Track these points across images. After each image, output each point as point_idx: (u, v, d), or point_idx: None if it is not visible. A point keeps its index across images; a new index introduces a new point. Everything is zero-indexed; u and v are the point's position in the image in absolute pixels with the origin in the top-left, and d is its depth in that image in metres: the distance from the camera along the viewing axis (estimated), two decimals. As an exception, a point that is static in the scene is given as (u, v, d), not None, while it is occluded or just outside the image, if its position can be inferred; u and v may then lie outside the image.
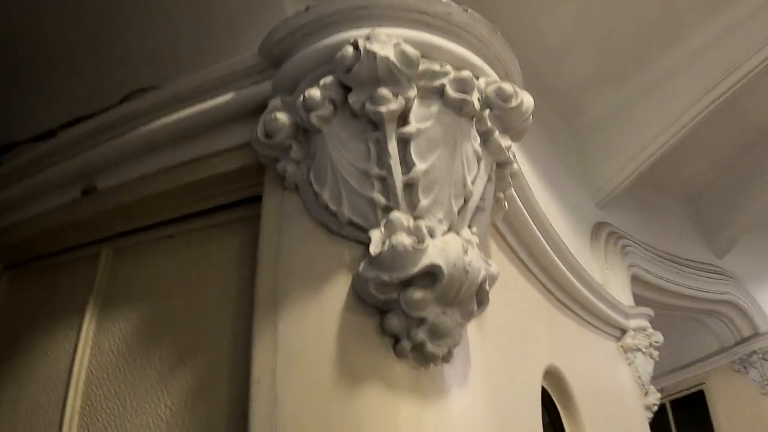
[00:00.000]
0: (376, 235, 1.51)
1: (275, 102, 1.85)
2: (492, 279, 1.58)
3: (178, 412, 1.87)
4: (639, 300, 5.35)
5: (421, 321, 1.47)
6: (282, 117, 1.79)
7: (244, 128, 2.00)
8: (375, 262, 1.49)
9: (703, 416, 7.61)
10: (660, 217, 6.63)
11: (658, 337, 4.73)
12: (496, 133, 1.76)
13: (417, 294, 1.45)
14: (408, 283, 1.47)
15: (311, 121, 1.71)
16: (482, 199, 1.72)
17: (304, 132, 1.79)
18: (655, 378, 8.01)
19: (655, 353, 4.74)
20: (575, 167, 5.17)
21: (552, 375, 3.04)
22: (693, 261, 6.68)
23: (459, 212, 1.64)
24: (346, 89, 1.70)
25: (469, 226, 1.66)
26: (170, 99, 2.19)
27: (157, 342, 2.05)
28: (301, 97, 1.72)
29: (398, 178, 1.58)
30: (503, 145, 1.77)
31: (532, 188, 3.93)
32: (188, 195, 2.20)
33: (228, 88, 2.07)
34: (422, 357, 1.51)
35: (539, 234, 3.05)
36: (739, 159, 6.81)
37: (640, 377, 4.56)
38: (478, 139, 1.72)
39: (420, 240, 1.46)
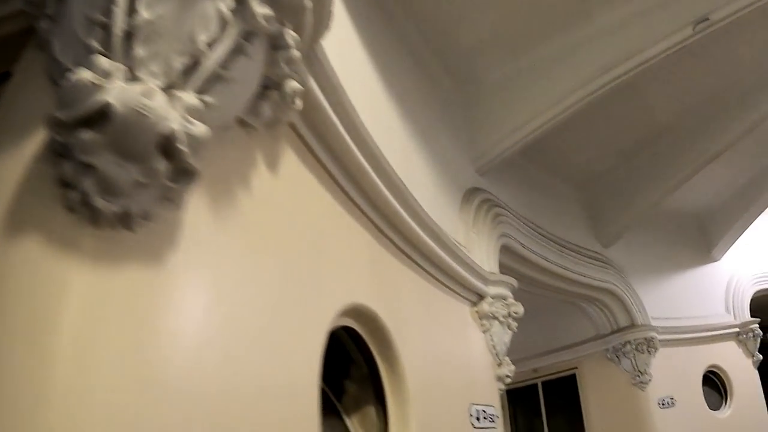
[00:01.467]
0: (70, 76, 1.31)
1: (48, -40, 1.64)
2: (192, 140, 1.37)
3: None
4: (514, 274, 5.31)
5: (90, 168, 1.29)
6: (47, -28, 1.59)
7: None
8: (59, 100, 1.30)
9: (573, 400, 7.66)
10: (549, 199, 6.60)
11: (518, 309, 4.66)
12: (254, -1, 1.58)
13: (86, 135, 1.26)
14: (82, 123, 1.28)
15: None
16: (224, 67, 1.54)
17: (62, -13, 1.59)
18: (529, 358, 8.07)
19: (514, 324, 4.68)
20: (460, 130, 5.05)
21: (365, 318, 2.83)
22: (578, 246, 6.68)
23: (185, 72, 1.45)
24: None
25: (200, 92, 1.47)
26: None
27: None
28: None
29: (118, 25, 1.39)
30: (258, 12, 1.58)
31: (403, 141, 3.78)
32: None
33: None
34: (92, 214, 1.32)
35: (366, 164, 2.82)
36: (637, 153, 6.83)
37: (494, 346, 4.47)
38: (228, 2, 1.54)
39: (103, 77, 1.26)
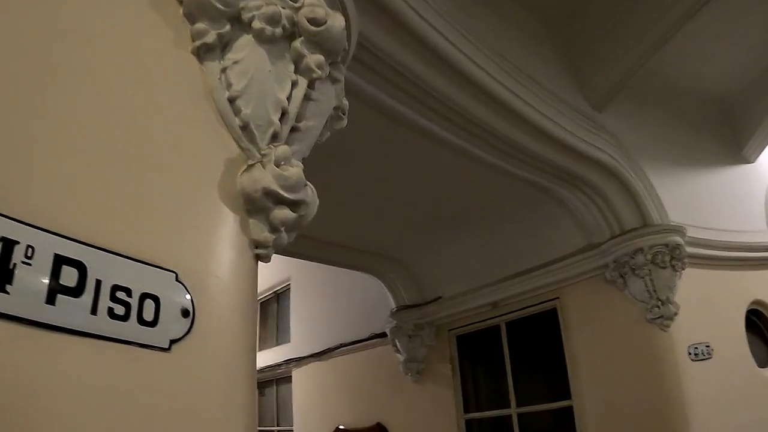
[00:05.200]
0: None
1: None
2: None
3: None
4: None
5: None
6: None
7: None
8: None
9: (552, 347, 4.49)
10: (504, 23, 3.45)
11: (332, 18, 1.42)
12: None
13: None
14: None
15: None
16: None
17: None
18: (486, 287, 4.93)
19: (318, 62, 1.42)
20: None
21: None
22: (555, 94, 3.56)
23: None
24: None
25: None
26: None
27: None
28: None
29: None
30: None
31: None
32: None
33: None
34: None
35: None
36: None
37: (239, 103, 1.31)
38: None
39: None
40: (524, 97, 3.14)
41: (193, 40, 1.32)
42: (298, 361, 7.20)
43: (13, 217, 0.94)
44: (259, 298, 8.70)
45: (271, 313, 8.50)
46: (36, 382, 0.91)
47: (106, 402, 0.99)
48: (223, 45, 1.34)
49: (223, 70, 1.33)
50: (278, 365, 7.60)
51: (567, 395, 4.31)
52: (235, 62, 1.34)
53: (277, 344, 7.99)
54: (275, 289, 8.34)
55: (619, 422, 4.02)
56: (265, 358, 8.01)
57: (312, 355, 6.92)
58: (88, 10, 1.17)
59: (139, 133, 1.18)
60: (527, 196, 4.03)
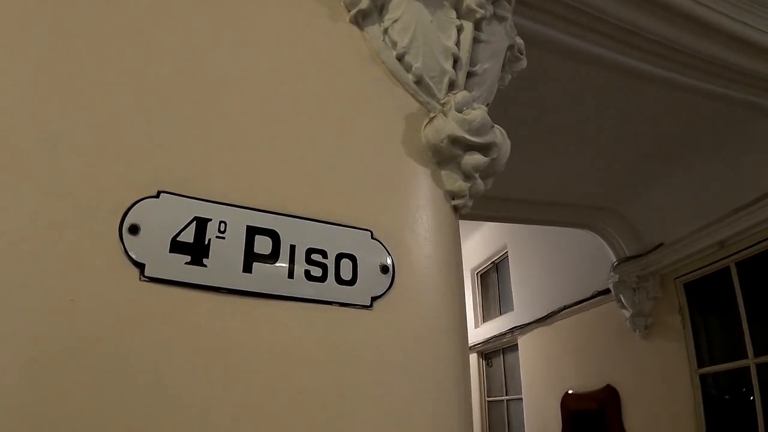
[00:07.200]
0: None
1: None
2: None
3: None
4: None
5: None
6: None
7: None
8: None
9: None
10: None
11: None
12: None
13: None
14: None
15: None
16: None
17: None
18: (710, 225, 4.56)
19: None
20: None
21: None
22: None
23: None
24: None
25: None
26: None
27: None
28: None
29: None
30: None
31: None
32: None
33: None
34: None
35: None
36: None
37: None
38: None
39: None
40: (711, 5, 2.98)
41: (349, 10, 1.46)
42: (522, 328, 7.23)
43: (203, 198, 1.09)
44: (478, 269, 8.93)
45: (492, 283, 8.63)
46: (240, 347, 1.02)
47: (310, 361, 1.08)
48: (379, 8, 1.48)
49: (385, 31, 1.47)
50: (503, 334, 7.70)
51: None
52: (395, 21, 1.46)
53: (501, 314, 8.08)
54: (493, 260, 8.42)
55: None
56: (490, 328, 8.18)
57: (536, 321, 6.91)
58: (249, 8, 1.34)
59: (316, 106, 1.32)
60: (739, 119, 3.70)
